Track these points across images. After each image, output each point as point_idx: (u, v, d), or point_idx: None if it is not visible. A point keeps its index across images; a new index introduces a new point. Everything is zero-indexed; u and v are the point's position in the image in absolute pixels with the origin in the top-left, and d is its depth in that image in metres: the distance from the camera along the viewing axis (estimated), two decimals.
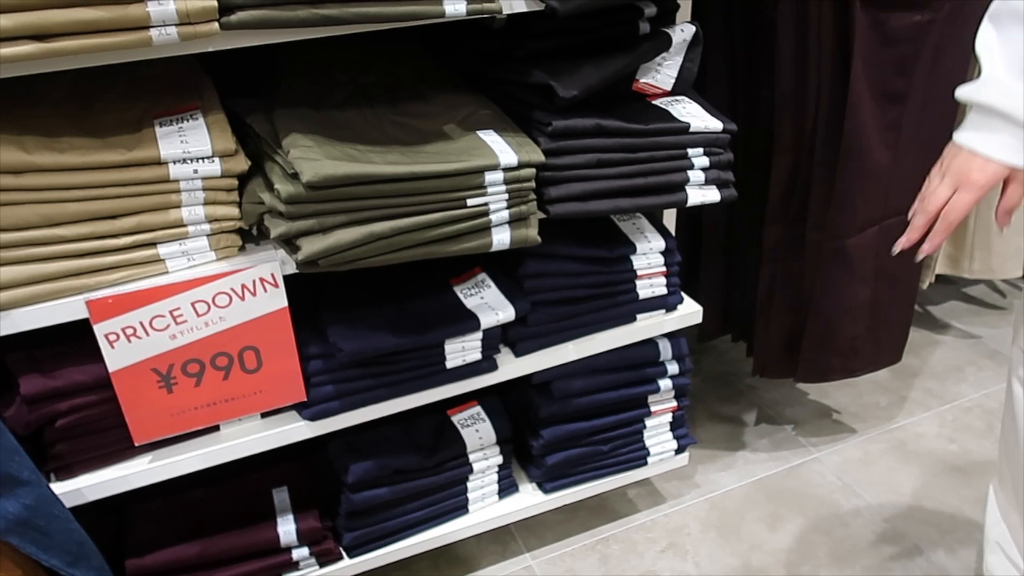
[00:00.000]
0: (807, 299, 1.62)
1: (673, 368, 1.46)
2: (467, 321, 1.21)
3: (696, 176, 1.23)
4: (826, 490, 1.69)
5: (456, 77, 1.28)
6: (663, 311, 1.41)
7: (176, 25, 0.85)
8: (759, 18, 1.46)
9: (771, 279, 1.64)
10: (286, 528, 1.27)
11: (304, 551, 1.29)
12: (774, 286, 1.65)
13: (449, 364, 1.23)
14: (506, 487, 1.45)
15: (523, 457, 1.50)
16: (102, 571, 1.04)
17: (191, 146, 0.98)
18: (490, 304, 1.24)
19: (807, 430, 1.84)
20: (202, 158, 0.99)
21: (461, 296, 1.26)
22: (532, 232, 1.13)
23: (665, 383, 1.46)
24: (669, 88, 1.26)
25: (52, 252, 0.95)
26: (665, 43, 1.20)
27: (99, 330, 1.00)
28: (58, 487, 1.06)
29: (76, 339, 1.03)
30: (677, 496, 1.68)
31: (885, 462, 1.75)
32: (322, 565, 1.32)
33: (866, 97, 1.41)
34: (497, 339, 1.27)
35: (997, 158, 0.88)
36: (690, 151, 1.22)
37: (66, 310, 0.98)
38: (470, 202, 1.07)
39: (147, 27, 0.84)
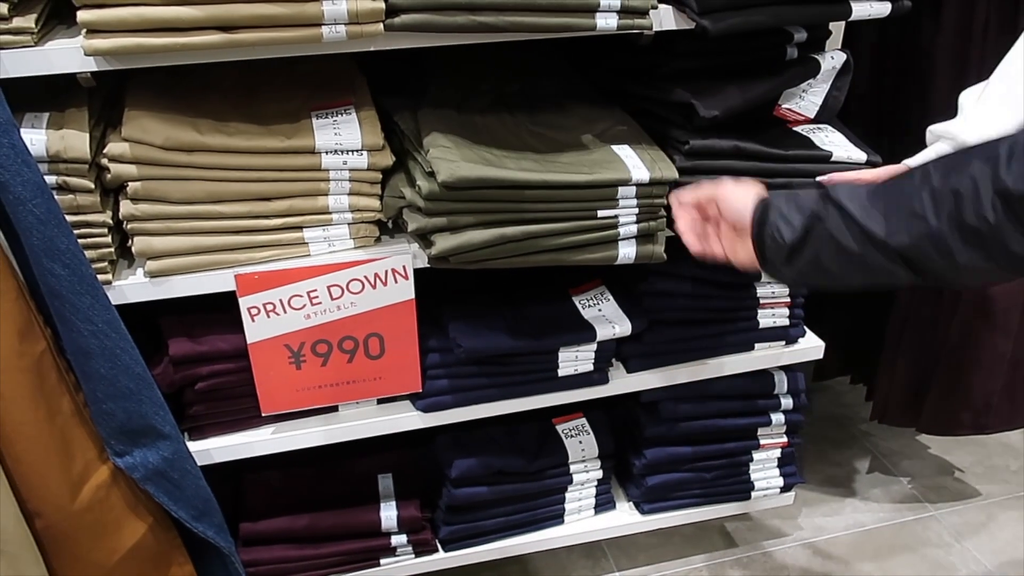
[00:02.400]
0: (940, 347, 1.54)
1: (787, 403, 1.42)
2: (583, 331, 1.22)
3: None
4: (942, 551, 1.59)
5: (596, 91, 1.29)
6: (783, 343, 1.37)
7: (345, 24, 0.91)
8: (914, 50, 1.40)
9: (902, 322, 1.57)
10: (388, 514, 1.31)
11: (402, 538, 1.33)
12: (904, 329, 1.57)
13: (561, 372, 1.24)
14: (603, 503, 1.45)
15: (623, 475, 1.49)
16: (221, 529, 1.11)
17: (343, 139, 1.04)
18: (607, 317, 1.24)
19: (925, 485, 1.74)
20: (352, 150, 1.04)
21: (579, 306, 1.27)
22: (659, 249, 1.13)
23: (777, 417, 1.42)
24: (812, 115, 1.23)
25: (212, 227, 1.03)
26: (813, 69, 1.18)
27: (243, 303, 1.07)
28: (191, 446, 1.14)
29: (221, 310, 1.11)
30: (778, 536, 1.62)
31: (1012, 530, 1.63)
32: (418, 555, 1.36)
33: None
34: (611, 353, 1.27)
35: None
36: None
37: (217, 281, 1.06)
38: (600, 214, 1.08)
39: (319, 24, 0.90)
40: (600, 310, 1.26)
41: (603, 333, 1.22)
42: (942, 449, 1.83)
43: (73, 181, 0.97)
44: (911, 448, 1.84)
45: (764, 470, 1.48)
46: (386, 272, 1.10)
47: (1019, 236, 0.65)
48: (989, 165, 0.66)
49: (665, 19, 1.04)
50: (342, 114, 1.08)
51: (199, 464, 1.08)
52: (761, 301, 1.31)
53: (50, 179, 0.96)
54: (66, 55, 0.89)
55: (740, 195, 0.87)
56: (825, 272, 0.79)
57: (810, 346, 1.38)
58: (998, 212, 0.66)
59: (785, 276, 0.84)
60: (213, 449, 1.17)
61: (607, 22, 0.98)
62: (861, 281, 0.78)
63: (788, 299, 1.33)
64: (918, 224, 0.71)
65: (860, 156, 1.18)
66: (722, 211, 0.89)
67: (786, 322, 1.35)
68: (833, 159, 1.17)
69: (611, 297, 1.28)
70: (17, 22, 0.88)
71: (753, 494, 1.49)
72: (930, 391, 1.57)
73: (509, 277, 1.24)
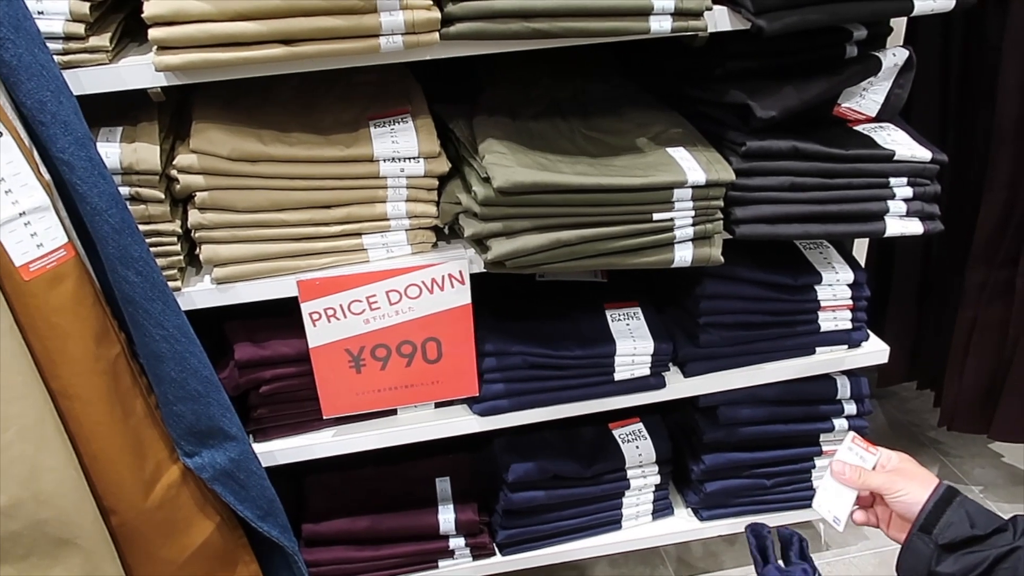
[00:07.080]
0: (1010, 349, 1.48)
1: (851, 408, 1.38)
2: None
3: (897, 207, 1.16)
4: None
5: (649, 95, 1.29)
6: (845, 346, 1.34)
7: (402, 34, 0.93)
8: (981, 44, 1.36)
9: (970, 324, 1.51)
10: (446, 517, 1.33)
11: (460, 541, 1.34)
12: (972, 332, 1.52)
13: (617, 376, 1.24)
14: (661, 508, 1.43)
15: (681, 481, 1.48)
16: (285, 530, 1.14)
17: (400, 146, 1.06)
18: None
19: (997, 495, 1.67)
20: (409, 158, 1.06)
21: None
22: (716, 251, 1.12)
23: (840, 423, 1.39)
24: (873, 114, 1.21)
25: (275, 234, 1.06)
26: (874, 67, 1.15)
27: (305, 308, 1.09)
28: (256, 447, 1.17)
29: (284, 315, 1.14)
30: (842, 545, 1.58)
31: None
32: (475, 558, 1.37)
33: None
34: (668, 356, 1.26)
35: None
36: (892, 180, 1.16)
37: (280, 287, 1.09)
38: (656, 216, 1.08)
39: (377, 35, 0.92)
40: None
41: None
42: (1016, 456, 1.76)
43: (145, 192, 1.01)
44: (982, 455, 1.77)
45: None
46: (443, 277, 1.12)
47: None
48: None
49: (720, 20, 1.03)
50: (399, 122, 1.10)
51: (263, 465, 1.12)
52: (822, 304, 1.29)
53: (124, 190, 1.00)
54: (138, 71, 0.93)
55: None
56: None
57: (874, 350, 1.35)
58: None
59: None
60: (276, 451, 1.20)
61: (661, 25, 0.98)
62: None
63: (851, 302, 1.30)
64: None
65: (925, 155, 1.15)
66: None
67: (848, 325, 1.32)
68: (896, 158, 1.14)
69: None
70: (93, 41, 0.92)
71: None
72: (1002, 396, 1.51)
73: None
